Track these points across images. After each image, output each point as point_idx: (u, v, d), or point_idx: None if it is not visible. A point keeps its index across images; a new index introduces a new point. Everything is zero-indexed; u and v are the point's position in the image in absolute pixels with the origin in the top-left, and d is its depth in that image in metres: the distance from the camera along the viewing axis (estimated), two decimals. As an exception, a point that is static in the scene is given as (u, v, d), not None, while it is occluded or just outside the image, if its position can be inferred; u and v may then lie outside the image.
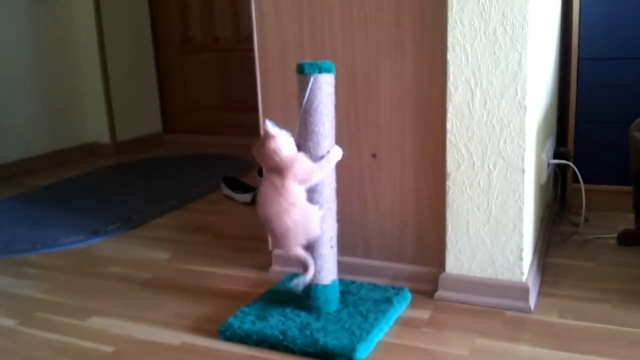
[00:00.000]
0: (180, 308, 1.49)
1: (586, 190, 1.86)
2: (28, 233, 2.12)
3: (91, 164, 3.24)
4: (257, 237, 1.94)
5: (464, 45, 1.34)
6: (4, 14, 2.99)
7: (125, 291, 1.61)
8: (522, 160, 1.34)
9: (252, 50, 1.60)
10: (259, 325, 1.31)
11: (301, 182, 1.25)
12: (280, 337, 1.26)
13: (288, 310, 1.37)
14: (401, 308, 1.41)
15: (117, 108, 3.51)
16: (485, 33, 1.32)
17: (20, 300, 1.59)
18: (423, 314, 1.40)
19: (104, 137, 3.50)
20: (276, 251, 1.68)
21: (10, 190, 2.74)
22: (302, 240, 1.27)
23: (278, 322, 1.32)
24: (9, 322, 1.46)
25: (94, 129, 3.51)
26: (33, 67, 3.16)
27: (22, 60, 3.10)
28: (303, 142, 1.30)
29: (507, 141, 1.35)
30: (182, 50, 3.73)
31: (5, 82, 3.00)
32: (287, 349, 1.25)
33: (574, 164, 1.90)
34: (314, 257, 1.33)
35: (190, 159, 3.26)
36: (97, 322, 1.43)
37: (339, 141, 1.36)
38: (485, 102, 1.35)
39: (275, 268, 1.68)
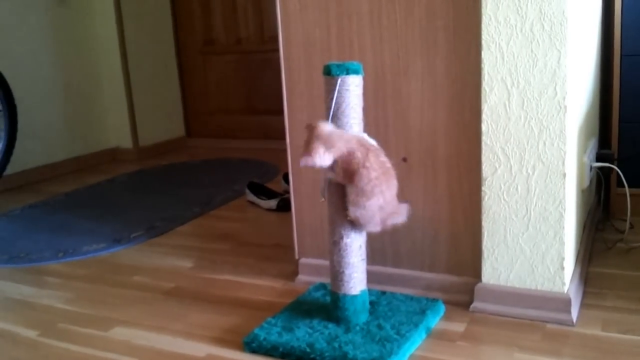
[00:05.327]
0: (205, 318, 1.47)
1: (631, 195, 1.80)
2: (49, 241, 2.11)
3: (113, 170, 3.24)
4: (282, 245, 1.92)
5: (499, 43, 1.29)
6: (25, 18, 3.01)
7: (148, 301, 1.59)
8: (563, 163, 1.29)
9: (276, 50, 1.57)
10: (286, 337, 1.28)
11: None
12: (308, 350, 1.23)
13: (315, 322, 1.34)
14: (435, 320, 1.36)
15: (139, 112, 3.51)
16: (521, 30, 1.27)
17: (42, 311, 1.58)
18: (458, 326, 1.35)
19: (126, 142, 3.51)
20: (303, 260, 1.64)
21: (31, 197, 2.75)
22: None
23: (305, 334, 1.29)
24: (30, 333, 1.45)
25: (115, 134, 3.52)
26: (54, 71, 3.18)
27: (42, 64, 3.12)
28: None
29: (547, 144, 1.29)
30: (205, 51, 3.72)
31: (26, 87, 3.02)
32: (315, 363, 1.22)
33: (617, 166, 1.84)
34: (342, 266, 1.30)
35: (214, 164, 3.24)
36: (120, 333, 1.42)
37: (368, 145, 1.31)
38: (523, 103, 1.30)
39: (302, 277, 1.64)
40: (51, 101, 3.17)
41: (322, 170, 1.24)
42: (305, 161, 1.17)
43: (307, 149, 1.17)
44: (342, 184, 1.24)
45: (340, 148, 1.18)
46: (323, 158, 1.17)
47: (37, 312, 1.57)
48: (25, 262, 1.93)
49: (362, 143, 1.21)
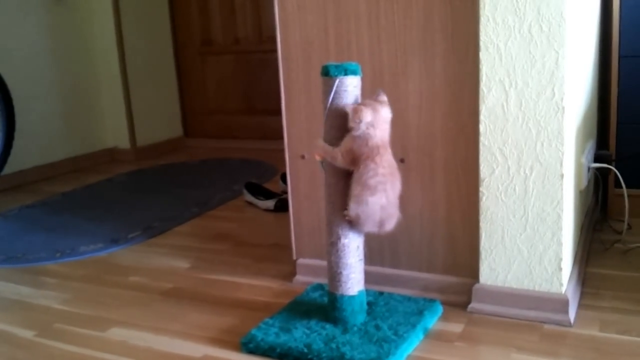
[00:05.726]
0: (202, 319, 1.46)
1: (629, 196, 1.79)
2: (46, 241, 2.11)
3: (111, 170, 3.24)
4: (280, 246, 1.91)
5: (497, 44, 1.29)
6: (22, 18, 3.01)
7: (145, 301, 1.59)
8: (561, 164, 1.29)
9: (274, 51, 1.56)
10: (283, 338, 1.27)
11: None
12: (305, 351, 1.23)
13: (313, 323, 1.33)
14: (432, 321, 1.36)
15: (137, 112, 3.50)
16: (519, 31, 1.27)
17: (39, 311, 1.57)
18: (456, 327, 1.35)
19: (123, 142, 3.50)
20: (300, 260, 1.64)
21: (28, 197, 2.74)
22: None
23: (303, 334, 1.29)
24: (27, 333, 1.44)
25: (113, 133, 3.51)
26: (51, 70, 3.17)
27: (40, 64, 3.11)
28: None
29: (545, 144, 1.29)
30: (203, 52, 3.71)
31: (24, 87, 3.00)
32: (312, 364, 1.21)
33: (615, 167, 1.84)
34: (340, 267, 1.29)
35: (212, 164, 3.24)
36: (117, 334, 1.42)
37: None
38: (521, 104, 1.30)
39: (299, 278, 1.64)
40: (49, 101, 3.16)
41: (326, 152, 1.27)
42: (351, 108, 1.19)
43: (360, 107, 1.18)
44: (343, 169, 1.24)
45: (375, 134, 1.19)
46: (360, 123, 1.18)
47: (34, 312, 1.56)
48: (23, 262, 1.92)
49: (385, 144, 1.22)
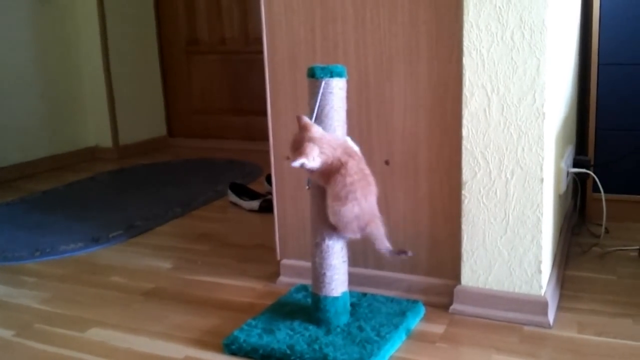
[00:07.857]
0: (184, 320, 1.46)
1: (607, 200, 1.82)
2: (26, 239, 2.08)
3: (93, 169, 3.20)
4: (264, 246, 1.91)
5: (480, 50, 1.31)
6: (5, 15, 2.96)
7: (126, 302, 1.58)
8: (541, 169, 1.31)
9: (261, 52, 1.56)
10: (266, 339, 1.27)
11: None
12: (288, 352, 1.23)
13: (296, 324, 1.33)
14: (415, 321, 1.37)
15: (120, 111, 3.48)
16: (502, 38, 1.29)
17: (18, 310, 1.55)
18: (437, 328, 1.36)
19: (106, 140, 3.47)
20: (284, 261, 1.64)
21: (8, 195, 2.71)
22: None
23: (286, 335, 1.29)
24: (6, 333, 1.43)
25: (95, 132, 3.48)
26: (34, 67, 3.13)
27: (22, 60, 3.07)
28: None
29: (525, 149, 1.31)
30: (189, 51, 3.70)
31: (5, 83, 2.97)
32: (295, 365, 1.21)
33: (594, 172, 1.87)
34: (323, 268, 1.30)
35: (196, 164, 3.22)
36: (97, 334, 1.40)
37: (350, 148, 1.32)
38: (502, 109, 1.31)
39: (283, 279, 1.64)
40: (30, 98, 3.12)
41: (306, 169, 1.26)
42: (299, 162, 1.17)
43: (301, 149, 1.17)
44: (322, 186, 1.25)
45: (327, 153, 1.18)
46: (315, 160, 1.17)
47: (12, 311, 1.54)
48: (1, 261, 1.89)
49: (346, 151, 1.21)
